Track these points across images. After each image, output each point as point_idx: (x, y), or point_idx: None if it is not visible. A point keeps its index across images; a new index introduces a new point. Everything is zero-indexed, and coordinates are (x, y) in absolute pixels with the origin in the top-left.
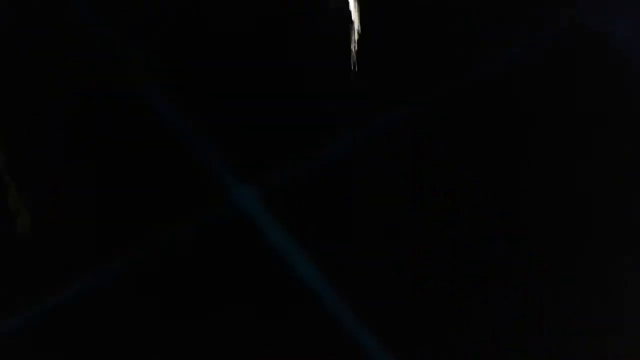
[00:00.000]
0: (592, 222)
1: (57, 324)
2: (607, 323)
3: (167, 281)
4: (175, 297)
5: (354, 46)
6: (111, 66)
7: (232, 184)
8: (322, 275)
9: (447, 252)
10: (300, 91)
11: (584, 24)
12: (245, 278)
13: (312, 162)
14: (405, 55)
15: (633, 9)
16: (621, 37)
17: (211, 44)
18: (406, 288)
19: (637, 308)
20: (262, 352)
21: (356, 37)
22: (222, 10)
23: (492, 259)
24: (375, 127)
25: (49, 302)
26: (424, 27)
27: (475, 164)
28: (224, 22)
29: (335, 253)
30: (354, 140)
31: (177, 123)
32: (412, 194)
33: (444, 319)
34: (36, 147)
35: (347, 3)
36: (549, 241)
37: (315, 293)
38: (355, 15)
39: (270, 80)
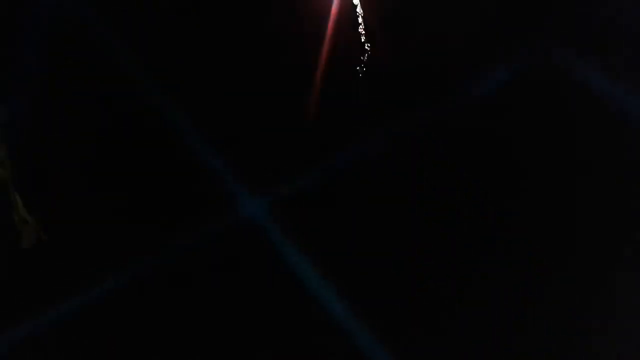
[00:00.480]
0: (589, 224)
1: (61, 334)
2: (607, 323)
3: (175, 289)
4: (182, 304)
5: (361, 64)
6: (113, 67)
7: (240, 194)
8: (329, 283)
9: (447, 261)
10: (308, 105)
11: (552, 58)
12: (253, 285)
13: (319, 173)
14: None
15: (599, 46)
16: (586, 74)
17: (222, 54)
18: (409, 298)
19: (636, 308)
20: (268, 356)
21: (365, 54)
22: (227, 17)
23: (492, 259)
24: (376, 140)
25: (53, 312)
26: (408, 57)
27: (473, 172)
28: (233, 31)
29: (341, 262)
30: (358, 150)
31: (187, 133)
32: (415, 206)
33: (445, 321)
34: (40, 152)
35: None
36: (549, 242)
37: (322, 301)
38: (362, 33)
39: (279, 94)
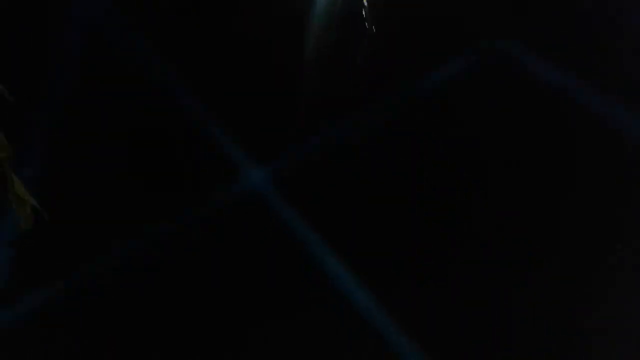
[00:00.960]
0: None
1: (58, 315)
2: (607, 323)
3: (180, 261)
4: (187, 277)
5: (362, 46)
6: (112, 67)
7: (244, 166)
8: (331, 252)
9: (447, 261)
10: (309, 81)
11: (501, 49)
12: (256, 256)
13: (320, 146)
14: None
15: (545, 37)
16: (533, 61)
17: (221, 50)
18: (409, 298)
19: (636, 308)
20: (270, 331)
21: (367, 39)
22: (228, 7)
23: (491, 259)
24: (372, 116)
25: (51, 293)
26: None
27: (471, 164)
28: (232, 18)
29: (343, 232)
30: (355, 126)
31: (190, 109)
32: (409, 177)
33: (445, 321)
34: (41, 142)
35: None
36: (548, 242)
37: (325, 271)
38: (367, 20)
39: (280, 73)
